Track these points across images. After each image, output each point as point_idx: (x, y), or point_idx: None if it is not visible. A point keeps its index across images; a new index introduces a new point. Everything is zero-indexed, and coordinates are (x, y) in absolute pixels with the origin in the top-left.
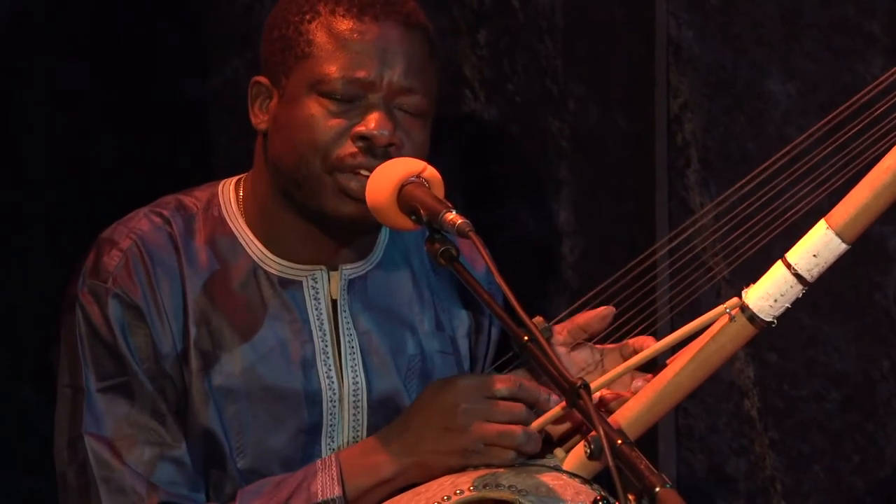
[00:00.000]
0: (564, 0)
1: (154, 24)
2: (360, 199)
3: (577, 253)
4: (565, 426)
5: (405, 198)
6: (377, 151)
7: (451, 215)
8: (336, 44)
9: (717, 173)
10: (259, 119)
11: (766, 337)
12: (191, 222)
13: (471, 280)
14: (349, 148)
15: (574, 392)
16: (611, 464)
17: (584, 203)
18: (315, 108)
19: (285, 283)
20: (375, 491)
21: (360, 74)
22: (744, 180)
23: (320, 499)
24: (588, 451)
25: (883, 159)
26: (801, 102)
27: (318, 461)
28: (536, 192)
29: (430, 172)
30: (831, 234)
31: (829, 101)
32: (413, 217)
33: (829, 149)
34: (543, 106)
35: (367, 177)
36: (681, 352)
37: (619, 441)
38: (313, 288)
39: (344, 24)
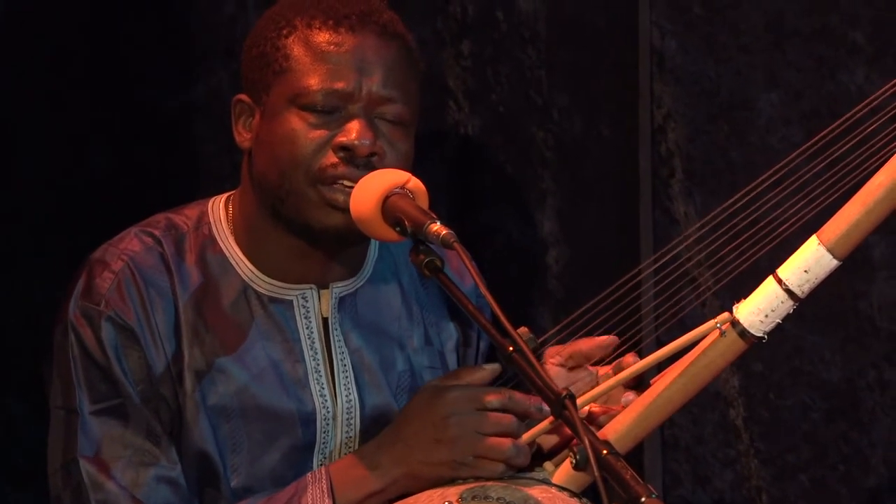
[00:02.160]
0: (548, 10)
1: (139, 34)
2: (345, 210)
3: (562, 262)
4: (555, 439)
5: (389, 209)
6: (359, 162)
7: (436, 226)
8: (313, 56)
9: (701, 183)
10: (242, 137)
11: (751, 347)
12: (181, 242)
13: (456, 291)
14: (331, 159)
15: (560, 402)
16: (596, 474)
17: (568, 213)
18: (295, 122)
19: (276, 303)
20: (365, 503)
21: (339, 85)
22: (733, 198)
23: None
24: (573, 461)
25: (875, 176)
26: (785, 111)
27: (309, 474)
28: (521, 202)
29: (415, 183)
30: (823, 249)
31: (812, 110)
32: (398, 228)
33: (819, 165)
34: (527, 116)
35: (351, 188)
36: (671, 367)
37: (605, 451)
38: (304, 307)
39: (320, 37)
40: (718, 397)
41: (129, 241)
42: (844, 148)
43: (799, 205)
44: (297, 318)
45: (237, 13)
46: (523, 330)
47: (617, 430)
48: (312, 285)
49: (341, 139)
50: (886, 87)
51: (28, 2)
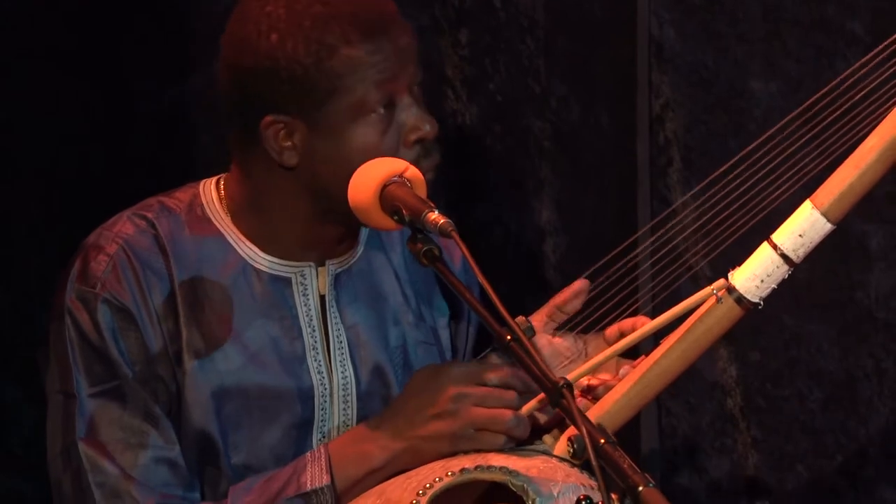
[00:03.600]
0: None
1: (135, 24)
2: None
3: (560, 252)
4: (553, 414)
5: (387, 198)
6: (430, 145)
7: (434, 215)
8: (362, 70)
9: (699, 172)
10: (288, 155)
11: (748, 336)
12: (175, 223)
13: (453, 280)
14: (409, 156)
15: (557, 392)
16: (594, 463)
17: (566, 202)
18: (364, 133)
19: (274, 280)
20: (366, 479)
21: (392, 86)
22: (721, 169)
23: (309, 488)
24: (571, 450)
25: (867, 139)
26: (783, 101)
27: (308, 453)
28: (518, 191)
29: (412, 172)
30: (817, 213)
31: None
32: (395, 217)
33: (806, 138)
34: (525, 105)
35: (431, 179)
36: (668, 336)
37: (602, 440)
38: (302, 284)
39: (362, 49)
40: (716, 386)
41: (122, 224)
42: (828, 119)
43: (789, 174)
44: (296, 294)
45: (233, 4)
46: (520, 319)
47: (616, 399)
48: (311, 263)
49: (416, 135)
50: (868, 57)
51: None
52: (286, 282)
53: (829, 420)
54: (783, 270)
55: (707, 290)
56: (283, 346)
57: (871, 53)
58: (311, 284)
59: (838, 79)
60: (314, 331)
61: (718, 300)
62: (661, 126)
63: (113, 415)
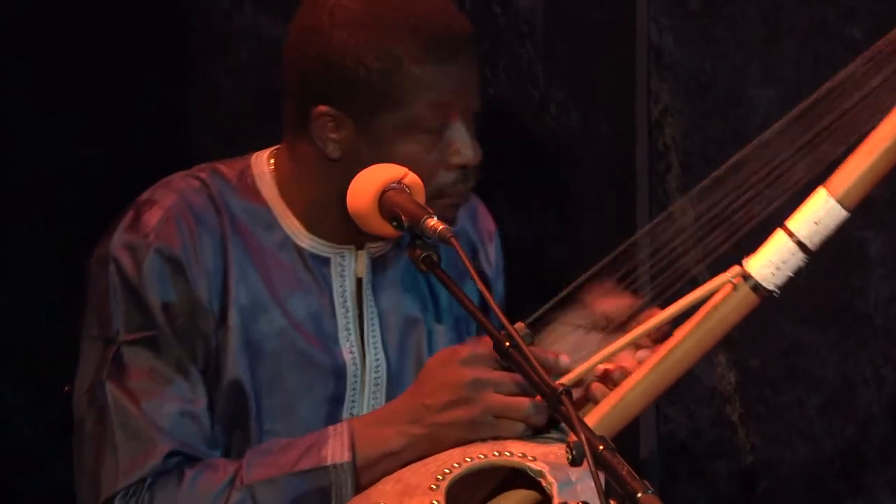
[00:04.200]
0: (545, 4)
1: (136, 27)
2: (451, 223)
3: (559, 257)
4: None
5: (386, 204)
6: (470, 173)
7: (433, 221)
8: (425, 90)
9: (698, 178)
10: (333, 148)
11: (747, 342)
12: (227, 188)
13: (452, 286)
14: (448, 178)
15: (556, 398)
16: (592, 470)
17: (565, 207)
18: (410, 148)
19: (315, 259)
20: (383, 462)
21: (451, 112)
22: (717, 172)
23: (329, 463)
24: (569, 457)
25: (881, 124)
26: (782, 107)
27: (330, 427)
28: (517, 197)
29: (411, 178)
30: (832, 201)
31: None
32: (394, 223)
33: (802, 142)
34: (524, 110)
35: (460, 205)
36: (682, 324)
37: (602, 447)
38: (340, 265)
39: (429, 71)
40: (715, 393)
41: (178, 182)
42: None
43: (787, 174)
44: (334, 275)
45: (232, 7)
46: (519, 325)
47: (632, 386)
48: (351, 246)
49: (461, 160)
50: (861, 57)
51: None
52: (325, 261)
53: (827, 427)
54: (799, 258)
55: (722, 277)
56: (320, 322)
57: (862, 57)
58: (348, 266)
59: (835, 80)
60: (348, 311)
61: (734, 287)
62: (660, 132)
63: (145, 363)
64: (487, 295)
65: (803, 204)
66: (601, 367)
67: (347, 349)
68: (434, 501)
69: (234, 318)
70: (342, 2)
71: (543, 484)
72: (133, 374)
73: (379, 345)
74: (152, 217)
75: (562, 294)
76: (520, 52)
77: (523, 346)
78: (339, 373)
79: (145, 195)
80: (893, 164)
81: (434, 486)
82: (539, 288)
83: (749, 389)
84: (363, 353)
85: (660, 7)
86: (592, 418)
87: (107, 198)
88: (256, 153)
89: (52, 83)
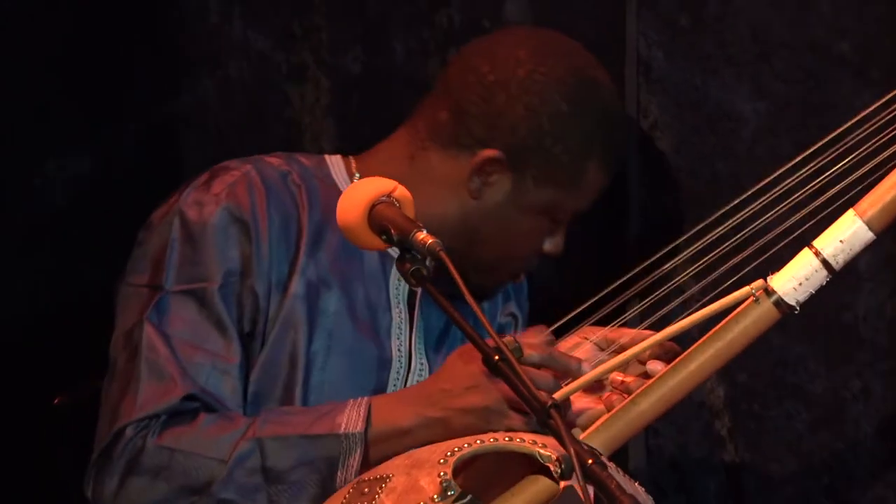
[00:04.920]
0: (535, 19)
1: (125, 43)
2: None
3: (548, 273)
4: (585, 403)
5: (376, 217)
6: (544, 260)
7: (422, 235)
8: (592, 188)
9: (688, 192)
10: (480, 189)
11: (736, 357)
12: (305, 171)
13: (441, 300)
14: (535, 260)
15: (545, 412)
16: (580, 484)
17: None
18: (535, 225)
19: (382, 255)
20: (394, 439)
21: (573, 213)
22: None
23: (342, 430)
24: (558, 471)
25: None
26: (771, 122)
27: (351, 399)
28: None
29: (401, 192)
30: (860, 222)
31: (799, 121)
32: (384, 237)
33: (806, 174)
34: None
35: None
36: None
37: (591, 461)
38: None
39: (600, 181)
40: (703, 407)
41: (254, 157)
42: (831, 157)
43: (786, 213)
44: (394, 273)
45: (221, 24)
46: (509, 339)
47: (648, 396)
48: None
49: (553, 249)
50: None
51: (13, 11)
52: (390, 259)
53: (816, 441)
54: (822, 275)
55: (745, 289)
56: (376, 314)
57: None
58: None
59: (851, 122)
60: (402, 312)
61: (756, 301)
62: (650, 146)
63: (188, 314)
64: (477, 310)
65: (832, 225)
66: (618, 377)
67: (396, 346)
68: (442, 473)
69: (298, 287)
70: (556, 76)
71: (552, 468)
72: (174, 321)
73: (422, 349)
74: (226, 179)
75: (582, 307)
76: None
77: (513, 359)
78: (384, 366)
79: (220, 164)
80: None
81: (443, 461)
82: (531, 305)
83: (738, 404)
84: (409, 353)
85: (649, 22)
86: (605, 426)
87: (96, 212)
88: (326, 154)
89: (42, 95)
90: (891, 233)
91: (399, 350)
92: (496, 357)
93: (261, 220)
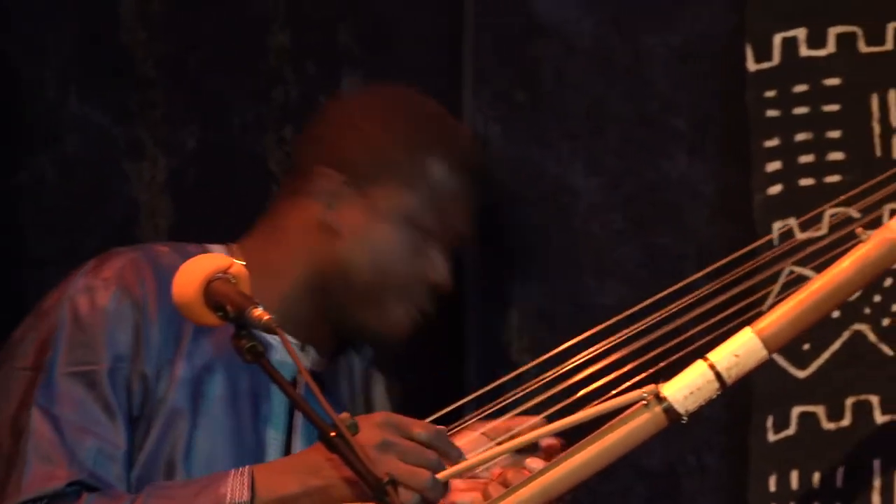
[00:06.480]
0: None
1: None
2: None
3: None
4: (470, 495)
5: (212, 293)
6: (435, 295)
7: (258, 311)
8: (444, 190)
9: (525, 267)
10: (336, 222)
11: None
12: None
13: (277, 377)
14: (421, 288)
15: (381, 489)
16: None
17: None
18: (407, 237)
19: (265, 344)
20: None
21: (454, 233)
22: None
23: (227, 501)
24: None
25: (812, 280)
26: (606, 197)
27: (232, 469)
28: None
29: (237, 268)
30: (756, 339)
31: (633, 195)
32: (220, 313)
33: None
34: None
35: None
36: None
37: None
38: (282, 353)
39: (450, 175)
40: None
41: (141, 246)
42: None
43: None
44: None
45: (60, 102)
46: (345, 415)
47: (523, 496)
48: (300, 342)
49: (439, 281)
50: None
51: None
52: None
53: None
54: (713, 387)
55: (636, 392)
56: (258, 400)
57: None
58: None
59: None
60: (282, 398)
61: (647, 405)
62: (489, 221)
63: (77, 396)
64: (315, 387)
65: (728, 339)
66: (498, 470)
67: (272, 436)
68: None
69: (183, 371)
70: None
71: None
72: (63, 404)
73: (307, 432)
74: (114, 265)
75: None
76: None
77: (348, 435)
78: (262, 453)
79: (110, 251)
80: (821, 317)
81: None
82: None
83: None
84: (289, 442)
85: (486, 98)
86: None
87: None
88: (208, 244)
89: None
90: None
91: (275, 440)
92: (332, 433)
93: (150, 303)
